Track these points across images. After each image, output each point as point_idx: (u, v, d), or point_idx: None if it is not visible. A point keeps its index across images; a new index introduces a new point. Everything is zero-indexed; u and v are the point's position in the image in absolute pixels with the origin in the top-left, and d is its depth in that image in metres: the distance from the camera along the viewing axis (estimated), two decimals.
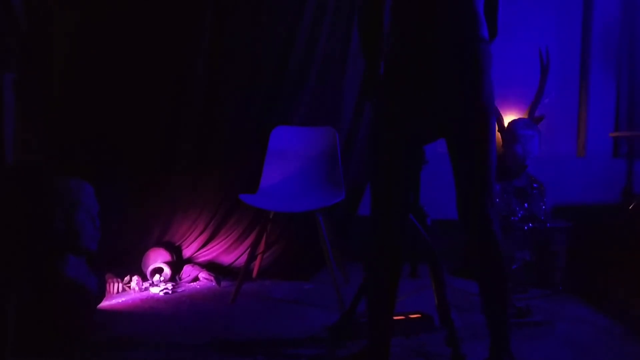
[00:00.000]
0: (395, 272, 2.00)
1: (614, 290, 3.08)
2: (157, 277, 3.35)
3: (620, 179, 4.06)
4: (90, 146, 3.28)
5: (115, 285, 3.19)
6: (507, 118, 3.87)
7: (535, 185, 3.62)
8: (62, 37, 3.22)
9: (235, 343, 2.46)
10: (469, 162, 1.91)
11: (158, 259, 3.40)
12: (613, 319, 2.80)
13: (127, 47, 3.28)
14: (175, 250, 3.53)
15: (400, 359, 2.28)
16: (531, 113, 3.90)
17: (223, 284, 3.42)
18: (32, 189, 2.54)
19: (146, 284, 3.31)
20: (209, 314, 2.88)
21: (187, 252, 3.59)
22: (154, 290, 3.24)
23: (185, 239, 3.56)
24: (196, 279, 3.47)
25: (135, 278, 3.28)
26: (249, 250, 3.24)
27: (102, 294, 2.76)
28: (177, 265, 3.49)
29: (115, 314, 2.86)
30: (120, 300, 3.07)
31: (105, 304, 2.90)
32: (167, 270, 3.37)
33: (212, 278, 3.43)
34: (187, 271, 3.48)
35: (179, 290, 3.30)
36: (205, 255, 3.59)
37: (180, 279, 3.46)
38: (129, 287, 3.26)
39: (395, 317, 2.16)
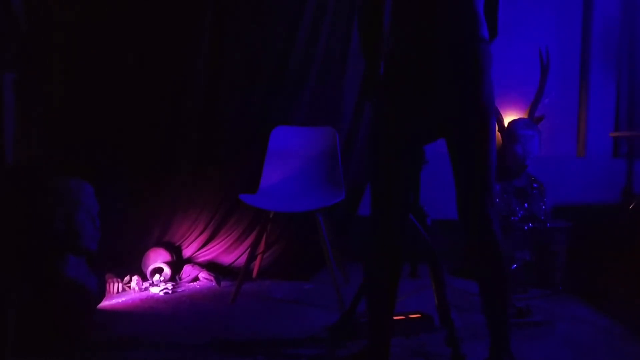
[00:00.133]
0: (395, 272, 2.00)
1: (614, 290, 3.08)
2: (157, 277, 3.35)
3: (620, 179, 4.06)
4: (90, 146, 3.28)
5: (115, 285, 3.19)
6: (507, 118, 3.87)
7: (535, 185, 3.62)
8: (62, 37, 3.22)
9: (235, 343, 2.46)
10: (469, 162, 1.91)
11: (158, 259, 3.40)
12: (613, 319, 2.80)
13: (127, 47, 3.28)
14: (175, 250, 3.53)
15: (400, 359, 2.28)
16: (531, 113, 3.90)
17: (223, 284, 3.42)
18: (32, 189, 2.54)
19: (146, 284, 3.31)
20: (209, 314, 2.88)
21: (187, 252, 3.59)
22: (154, 290, 3.25)
23: (185, 239, 3.56)
24: (196, 279, 3.47)
25: (135, 278, 3.28)
26: (249, 250, 3.24)
27: (102, 294, 2.76)
28: (177, 265, 3.49)
29: (115, 314, 2.86)
30: (120, 300, 3.07)
31: (105, 304, 2.90)
32: (167, 270, 3.37)
33: (212, 278, 3.43)
34: (187, 271, 3.48)
35: (179, 290, 3.30)
36: (205, 255, 3.59)
37: (180, 279, 3.46)
38: (129, 287, 3.26)
39: (395, 317, 2.16)
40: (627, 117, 4.25)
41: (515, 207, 3.55)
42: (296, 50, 3.46)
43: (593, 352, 2.42)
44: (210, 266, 3.56)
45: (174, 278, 3.42)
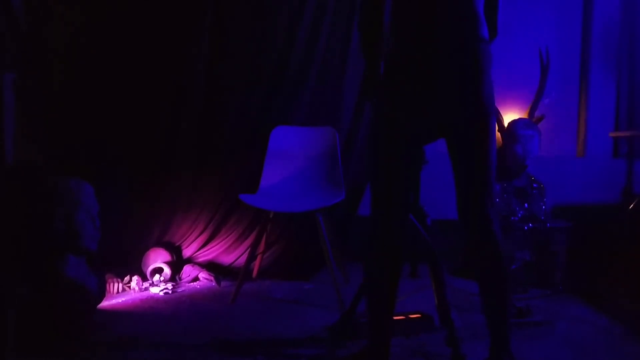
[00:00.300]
0: (395, 272, 2.00)
1: (614, 290, 3.07)
2: (157, 277, 3.35)
3: (620, 179, 4.05)
4: (90, 146, 3.28)
5: (115, 285, 3.19)
6: (507, 118, 3.87)
7: (535, 185, 3.62)
8: (62, 37, 3.22)
9: (235, 343, 2.46)
10: (469, 162, 1.91)
11: (158, 259, 3.40)
12: (613, 319, 2.80)
13: (127, 47, 3.28)
14: (175, 250, 3.53)
15: (400, 359, 2.28)
16: (531, 113, 3.90)
17: (223, 284, 3.42)
18: (32, 189, 2.54)
19: (146, 284, 3.31)
20: (209, 314, 2.88)
21: (187, 252, 3.59)
22: (154, 290, 3.25)
23: (185, 239, 3.56)
24: (196, 279, 3.47)
25: (135, 278, 3.28)
26: (249, 250, 3.24)
27: (102, 294, 2.77)
28: (177, 265, 3.49)
29: (115, 314, 2.86)
30: (120, 300, 3.07)
31: (105, 304, 2.90)
32: (167, 270, 3.37)
33: (212, 278, 3.43)
34: (187, 271, 3.48)
35: (179, 290, 3.30)
36: (205, 255, 3.59)
37: (180, 279, 3.46)
38: (129, 287, 3.26)
39: (395, 317, 2.16)
40: (627, 117, 4.26)
41: (515, 207, 3.55)
42: (296, 50, 3.46)
43: (593, 352, 2.42)
44: (210, 266, 3.56)
45: (174, 278, 3.42)
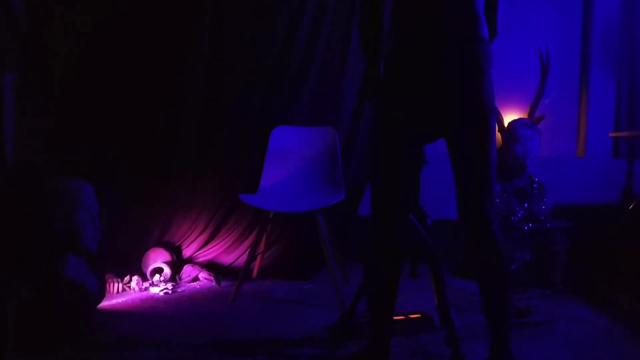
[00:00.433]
0: (395, 272, 2.00)
1: (614, 290, 3.07)
2: (157, 277, 3.35)
3: (620, 179, 4.05)
4: (90, 146, 3.28)
5: (115, 285, 3.19)
6: (507, 118, 3.87)
7: (535, 185, 3.62)
8: (62, 37, 3.22)
9: (235, 343, 2.46)
10: (469, 162, 1.91)
11: (158, 259, 3.40)
12: (613, 319, 2.80)
13: (127, 47, 3.28)
14: (175, 250, 3.53)
15: (400, 359, 2.28)
16: (531, 113, 3.90)
17: (223, 284, 3.42)
18: (32, 189, 2.54)
19: (146, 284, 3.31)
20: (209, 314, 2.88)
21: (187, 252, 3.59)
22: (154, 290, 3.25)
23: (185, 239, 3.56)
24: (196, 279, 3.47)
25: (135, 278, 3.28)
26: (249, 250, 3.24)
27: (102, 294, 2.77)
28: (177, 265, 3.49)
29: (115, 314, 2.86)
30: (120, 300, 3.07)
31: (105, 304, 2.90)
32: (167, 270, 3.37)
33: (212, 278, 3.43)
34: (187, 271, 3.48)
35: (179, 290, 3.30)
36: (205, 255, 3.59)
37: (180, 279, 3.46)
38: (129, 287, 3.26)
39: (395, 317, 2.16)
40: (627, 117, 4.25)
41: (515, 207, 3.54)
42: (296, 50, 3.46)
43: (593, 352, 2.42)
44: (210, 266, 3.56)
45: (174, 278, 3.42)
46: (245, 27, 3.41)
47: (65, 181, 2.61)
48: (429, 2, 1.88)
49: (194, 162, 3.44)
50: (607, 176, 4.08)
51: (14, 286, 2.37)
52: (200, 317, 2.83)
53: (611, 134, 4.21)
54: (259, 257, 3.41)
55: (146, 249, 3.46)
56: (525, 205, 3.56)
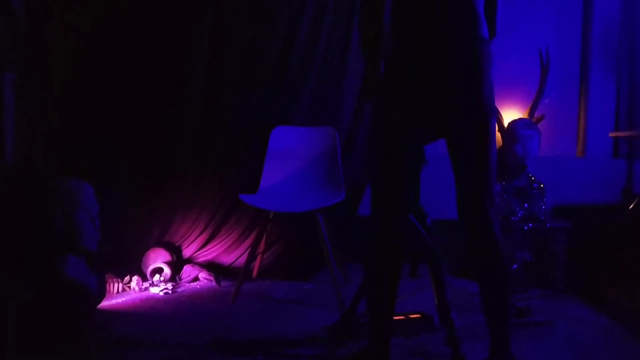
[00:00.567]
0: (395, 272, 2.00)
1: (614, 290, 3.07)
2: (157, 277, 3.35)
3: (620, 179, 4.05)
4: (90, 146, 3.28)
5: (115, 285, 3.19)
6: (507, 118, 3.87)
7: (535, 185, 3.61)
8: (62, 37, 3.22)
9: (235, 343, 2.46)
10: (469, 162, 1.91)
11: (158, 259, 3.40)
12: (613, 319, 2.80)
13: (127, 47, 3.28)
14: (175, 250, 3.53)
15: (400, 359, 2.28)
16: (531, 113, 3.90)
17: (223, 284, 3.42)
18: (32, 189, 2.54)
19: (146, 284, 3.31)
20: (209, 314, 2.88)
21: (187, 252, 3.59)
22: (154, 290, 3.24)
23: (185, 239, 3.56)
24: (196, 279, 3.47)
25: (135, 278, 3.28)
26: (249, 250, 3.24)
27: (102, 294, 2.76)
28: (177, 265, 3.49)
29: (115, 314, 2.86)
30: (120, 300, 3.07)
31: (105, 304, 2.90)
32: (167, 270, 3.37)
33: (212, 278, 3.43)
34: (187, 271, 3.48)
35: (179, 290, 3.30)
36: (205, 255, 3.59)
37: (180, 279, 3.46)
38: (129, 287, 3.26)
39: (395, 317, 2.16)
40: (627, 117, 4.25)
41: (515, 207, 3.54)
42: (296, 50, 3.46)
43: (593, 352, 2.42)
44: (210, 266, 3.56)
45: (174, 278, 3.42)
46: (245, 27, 3.41)
47: (65, 181, 2.61)
48: (429, 2, 1.88)
49: (194, 162, 3.44)
50: (607, 176, 4.08)
51: (14, 286, 2.37)
52: (200, 317, 2.83)
53: (611, 134, 4.21)
54: (259, 257, 3.41)
55: (146, 249, 3.46)
56: (525, 205, 3.55)
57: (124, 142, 3.34)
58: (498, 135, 3.72)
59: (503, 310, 1.94)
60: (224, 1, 3.39)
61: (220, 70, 3.42)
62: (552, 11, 4.25)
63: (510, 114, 4.00)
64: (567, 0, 4.26)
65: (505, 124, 3.79)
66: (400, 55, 1.94)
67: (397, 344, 2.33)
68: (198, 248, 3.58)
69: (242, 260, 3.41)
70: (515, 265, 3.33)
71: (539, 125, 3.83)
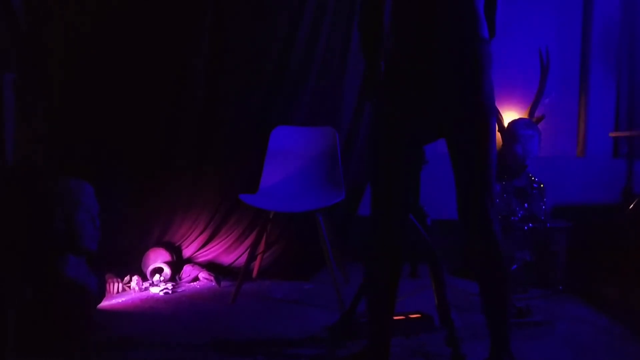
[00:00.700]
0: (395, 272, 2.00)
1: (614, 290, 3.08)
2: (157, 277, 3.35)
3: (620, 179, 4.05)
4: (90, 146, 3.28)
5: (115, 285, 3.19)
6: (507, 118, 3.87)
7: (535, 185, 3.61)
8: (62, 37, 3.22)
9: (235, 343, 2.46)
10: (469, 162, 1.91)
11: (158, 259, 3.40)
12: (613, 319, 2.80)
13: (127, 47, 3.27)
14: (175, 250, 3.53)
15: (400, 359, 2.28)
16: (531, 113, 3.90)
17: (223, 284, 3.42)
18: (32, 189, 2.54)
19: (146, 284, 3.31)
20: (209, 314, 2.88)
21: (187, 252, 3.59)
22: (154, 290, 3.24)
23: (185, 239, 3.56)
24: (196, 279, 3.47)
25: (135, 278, 3.28)
26: (249, 250, 3.24)
27: (102, 294, 2.77)
28: (177, 265, 3.49)
29: (115, 314, 2.86)
30: (120, 300, 3.07)
31: (105, 304, 2.90)
32: (167, 270, 3.37)
33: (212, 278, 3.43)
34: (187, 271, 3.48)
35: (179, 290, 3.30)
36: (205, 255, 3.59)
37: (180, 279, 3.46)
38: (129, 287, 3.26)
39: (395, 317, 2.16)
40: (627, 117, 4.26)
41: (515, 207, 3.54)
42: (296, 50, 3.46)
43: (593, 352, 2.42)
44: (210, 266, 3.56)
45: (174, 278, 3.42)
46: (245, 27, 3.41)
47: (65, 181, 2.61)
48: (429, 2, 1.88)
49: (194, 162, 3.44)
50: (607, 176, 4.08)
51: (14, 286, 2.37)
52: (200, 317, 2.83)
53: (611, 134, 4.21)
54: (259, 257, 3.41)
55: (146, 249, 3.46)
56: (525, 205, 3.55)
57: (124, 142, 3.34)
58: (498, 135, 3.72)
59: (503, 310, 1.94)
60: (224, 1, 3.39)
61: (220, 70, 3.42)
62: (552, 11, 4.26)
63: (510, 114, 4.00)
64: (567, 0, 4.26)
65: (505, 124, 3.79)
66: (400, 55, 1.94)
67: (397, 344, 2.33)
68: (198, 248, 3.58)
69: (242, 260, 3.41)
70: (515, 265, 3.33)
71: (539, 125, 3.83)
